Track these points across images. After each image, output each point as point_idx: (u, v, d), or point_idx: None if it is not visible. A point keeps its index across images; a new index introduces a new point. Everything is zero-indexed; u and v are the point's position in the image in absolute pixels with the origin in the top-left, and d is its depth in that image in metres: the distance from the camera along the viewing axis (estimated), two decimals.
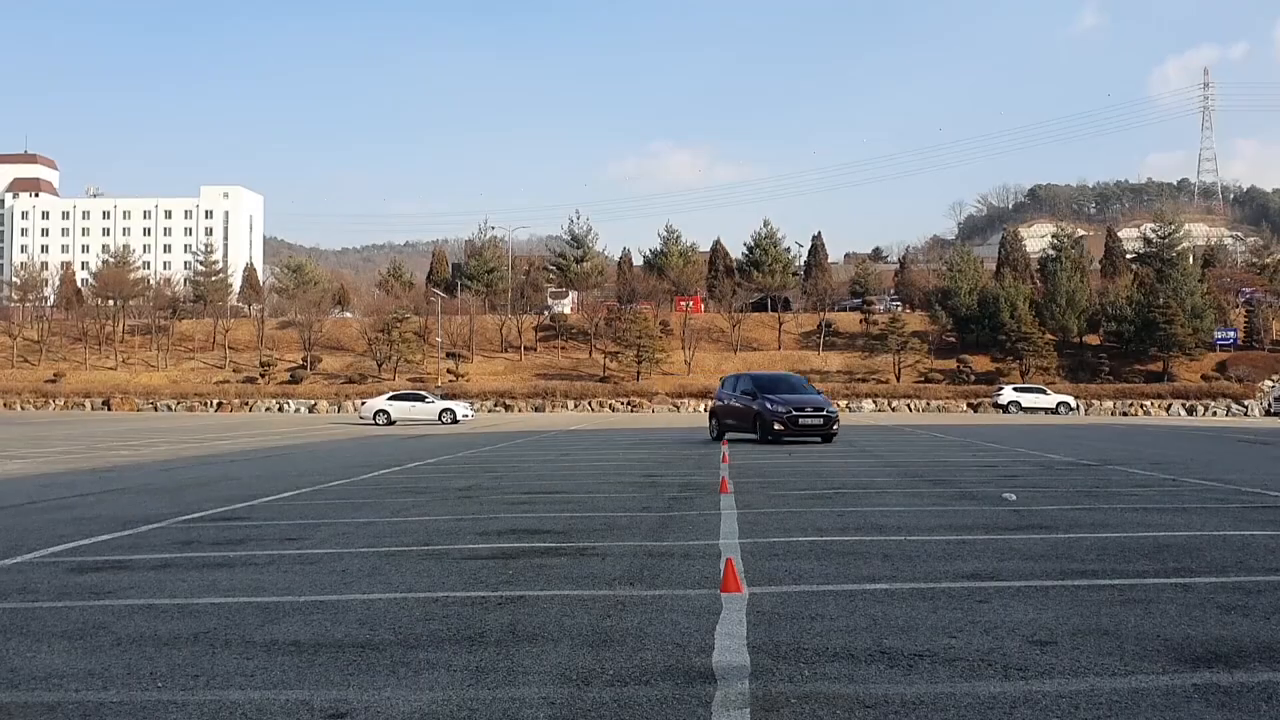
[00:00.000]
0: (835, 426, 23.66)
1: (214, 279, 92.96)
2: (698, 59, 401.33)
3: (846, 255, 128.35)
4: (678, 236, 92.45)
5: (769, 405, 23.27)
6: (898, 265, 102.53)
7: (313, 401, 68.74)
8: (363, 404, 48.29)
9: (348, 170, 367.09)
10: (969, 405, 65.00)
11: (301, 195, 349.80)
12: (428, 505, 11.40)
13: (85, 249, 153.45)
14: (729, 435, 25.49)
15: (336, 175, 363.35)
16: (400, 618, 5.63)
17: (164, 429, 36.27)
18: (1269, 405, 62.69)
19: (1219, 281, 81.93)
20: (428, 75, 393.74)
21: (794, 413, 23.08)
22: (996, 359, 72.05)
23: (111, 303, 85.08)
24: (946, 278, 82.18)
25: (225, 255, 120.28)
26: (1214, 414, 61.82)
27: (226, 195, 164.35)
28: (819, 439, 23.47)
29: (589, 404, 67.00)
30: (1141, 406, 64.17)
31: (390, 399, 45.10)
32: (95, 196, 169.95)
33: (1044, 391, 62.45)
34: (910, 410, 63.58)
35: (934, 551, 7.72)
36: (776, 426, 22.85)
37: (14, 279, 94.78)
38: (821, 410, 23.53)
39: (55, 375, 75.43)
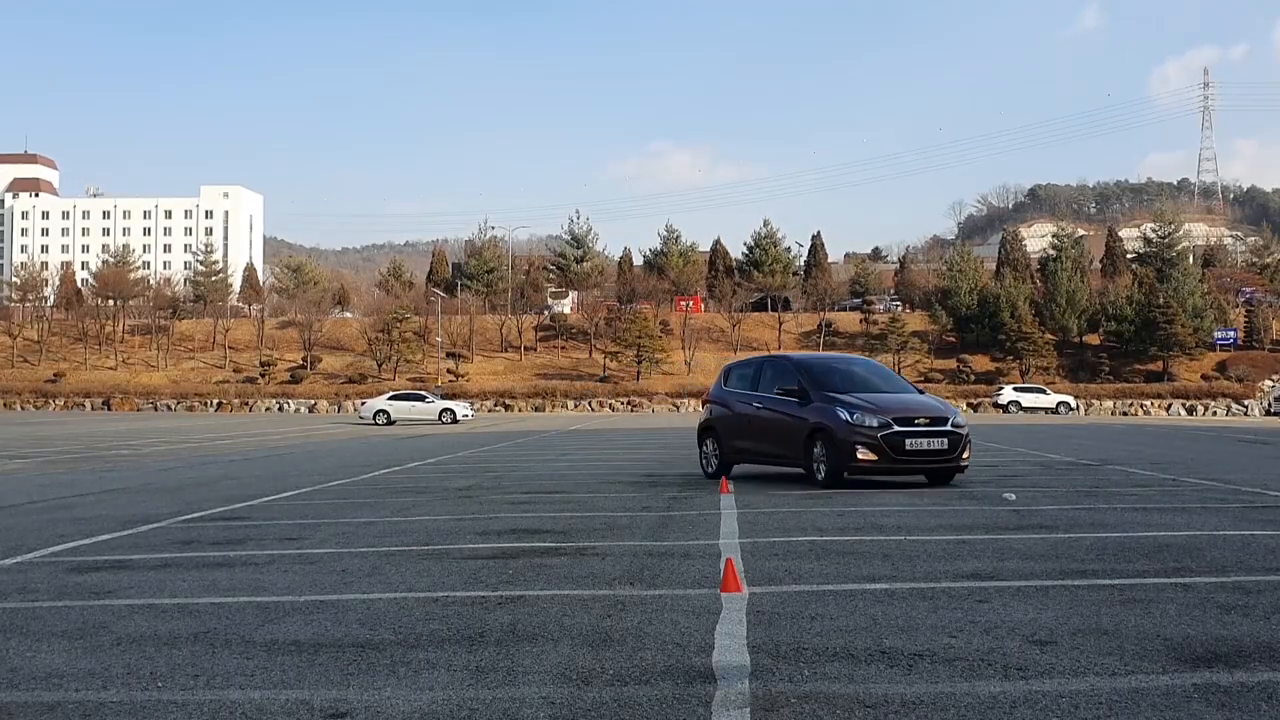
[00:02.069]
0: (965, 453, 12.93)
1: (214, 279, 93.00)
2: (698, 59, 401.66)
3: (846, 255, 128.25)
4: (678, 236, 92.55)
5: (844, 413, 12.51)
6: (898, 265, 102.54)
7: (313, 401, 68.75)
8: (363, 404, 48.32)
9: (348, 170, 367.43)
10: (969, 405, 64.99)
11: (301, 195, 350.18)
12: (428, 505, 11.40)
13: (85, 249, 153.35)
14: (748, 468, 15.05)
15: (336, 175, 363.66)
16: (400, 617, 5.63)
17: (164, 429, 36.27)
18: (1269, 405, 62.70)
19: (1219, 281, 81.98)
20: (428, 75, 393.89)
21: (896, 429, 12.30)
22: (996, 359, 72.08)
23: (111, 303, 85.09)
24: (946, 278, 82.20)
25: (225, 255, 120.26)
26: (1214, 414, 61.83)
27: (226, 195, 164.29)
28: (934, 477, 13.08)
29: (589, 404, 67.00)
30: (1141, 406, 64.18)
31: (390, 399, 45.12)
32: (95, 196, 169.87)
33: (1044, 391, 62.48)
34: None
35: (934, 551, 7.72)
36: (862, 455, 12.24)
37: (14, 279, 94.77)
38: (945, 423, 12.71)
39: (55, 375, 75.44)
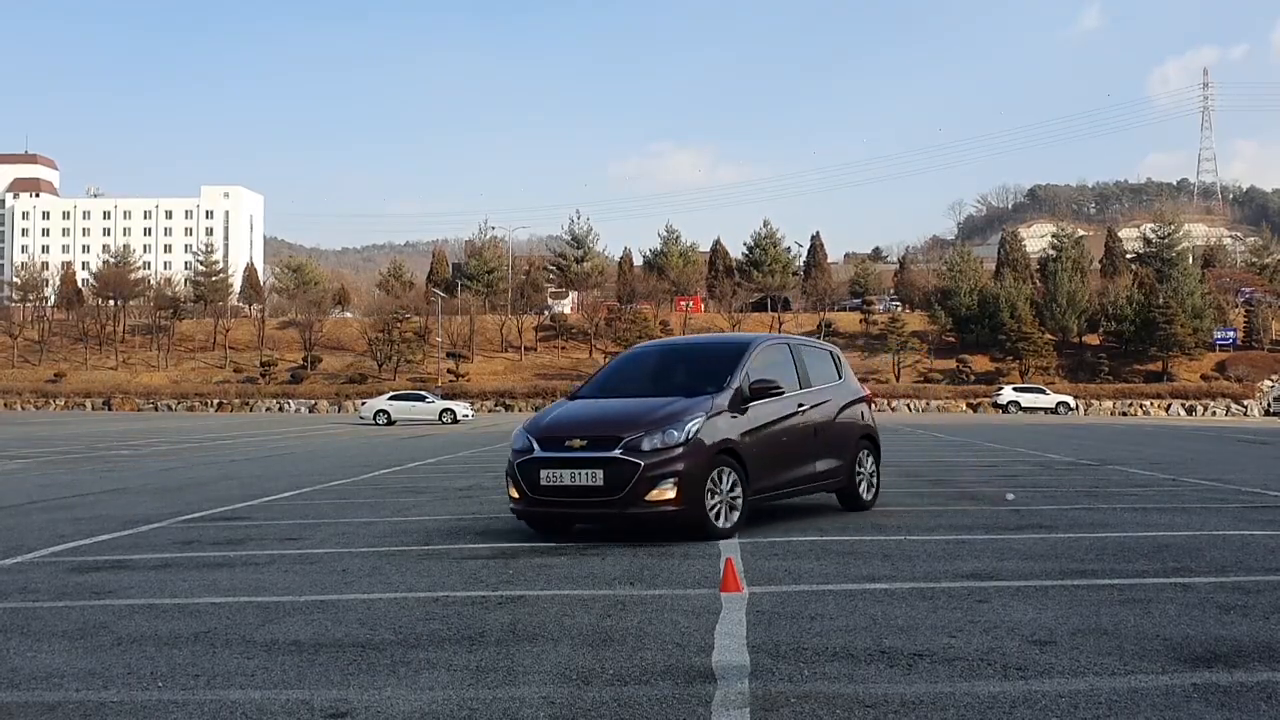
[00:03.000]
0: (660, 493, 7.99)
1: (214, 279, 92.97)
2: (698, 59, 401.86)
3: (846, 255, 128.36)
4: (678, 236, 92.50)
5: (523, 434, 8.86)
6: (897, 265, 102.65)
7: (313, 401, 68.75)
8: (363, 404, 48.32)
9: (348, 170, 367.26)
10: (969, 405, 65.03)
11: (301, 195, 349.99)
12: (428, 505, 11.40)
13: (85, 249, 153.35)
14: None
15: (336, 175, 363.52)
16: (400, 617, 5.64)
17: (164, 429, 36.26)
18: (1268, 405, 62.73)
19: (1219, 281, 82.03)
20: (428, 75, 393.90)
21: (536, 454, 8.42)
22: (996, 359, 72.12)
23: (112, 303, 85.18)
24: (946, 278, 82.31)
25: (225, 255, 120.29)
26: (1213, 414, 61.84)
27: (227, 195, 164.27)
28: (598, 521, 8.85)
29: None
30: (1141, 406, 64.20)
31: (390, 399, 45.14)
32: (95, 196, 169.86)
33: (1044, 391, 62.53)
34: (910, 410, 63.60)
35: (934, 551, 7.73)
36: (510, 491, 8.74)
37: (14, 279, 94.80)
38: (612, 445, 8.10)
39: (56, 375, 75.48)
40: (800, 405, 9.43)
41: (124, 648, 5.07)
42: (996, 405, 61.38)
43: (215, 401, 69.00)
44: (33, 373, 77.40)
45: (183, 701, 4.16)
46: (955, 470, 16.06)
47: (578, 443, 8.24)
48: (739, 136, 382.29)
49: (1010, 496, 11.66)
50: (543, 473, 8.26)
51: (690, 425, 8.12)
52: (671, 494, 7.96)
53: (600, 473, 8.04)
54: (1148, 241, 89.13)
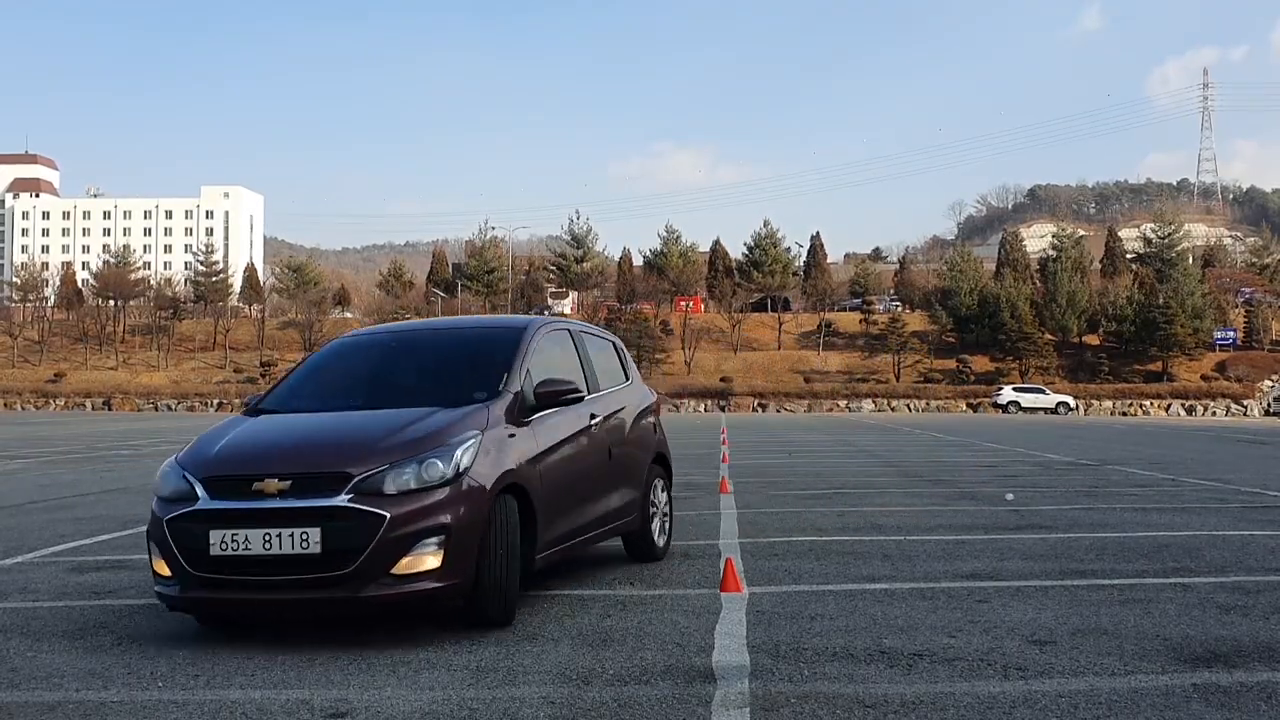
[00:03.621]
0: (428, 553, 4.94)
1: (214, 279, 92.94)
2: (699, 59, 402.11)
3: (846, 255, 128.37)
4: (678, 236, 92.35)
5: (175, 470, 5.27)
6: (898, 265, 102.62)
7: None
8: None
9: (348, 170, 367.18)
10: (969, 405, 65.04)
11: (301, 195, 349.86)
12: None
13: (85, 249, 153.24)
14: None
15: (336, 175, 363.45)
16: (400, 617, 5.63)
17: (165, 429, 36.25)
18: (1268, 405, 62.77)
19: (1219, 281, 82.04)
20: (428, 75, 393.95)
21: (201, 504, 5.00)
22: (996, 359, 72.12)
23: (112, 303, 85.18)
24: (947, 278, 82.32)
25: (226, 255, 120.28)
26: (1213, 414, 61.87)
27: (227, 195, 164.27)
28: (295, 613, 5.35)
29: None
30: (1141, 406, 64.22)
31: None
32: (95, 196, 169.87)
33: (1044, 391, 62.57)
34: (910, 410, 63.60)
35: (934, 551, 7.73)
36: (156, 565, 5.20)
37: (14, 279, 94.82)
38: (338, 489, 4.93)
39: (56, 375, 75.48)
40: (593, 416, 6.56)
41: (124, 648, 5.07)
42: (996, 405, 61.41)
43: (215, 401, 69.03)
44: (33, 373, 77.41)
45: (183, 701, 4.16)
46: (955, 470, 16.06)
47: (273, 484, 5.01)
48: (739, 136, 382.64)
49: (1010, 496, 11.67)
50: (215, 536, 4.94)
51: (461, 451, 5.20)
52: (435, 561, 5.00)
53: (316, 533, 4.88)
54: (1148, 241, 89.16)
